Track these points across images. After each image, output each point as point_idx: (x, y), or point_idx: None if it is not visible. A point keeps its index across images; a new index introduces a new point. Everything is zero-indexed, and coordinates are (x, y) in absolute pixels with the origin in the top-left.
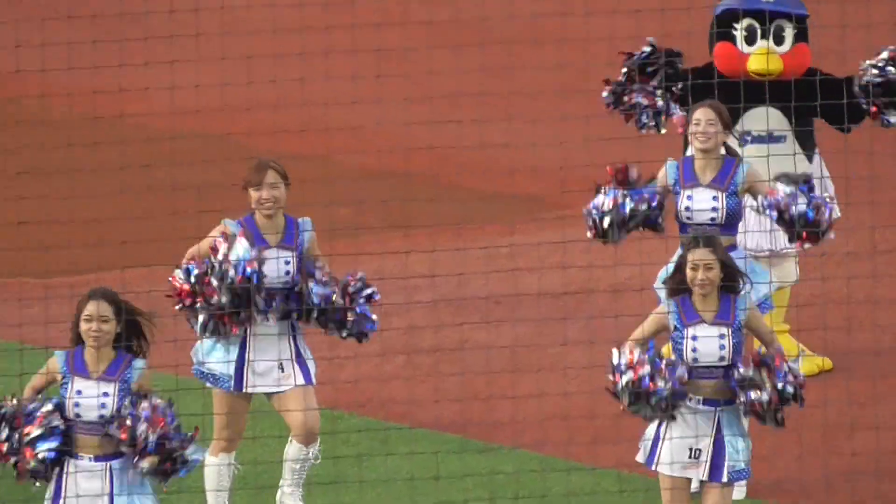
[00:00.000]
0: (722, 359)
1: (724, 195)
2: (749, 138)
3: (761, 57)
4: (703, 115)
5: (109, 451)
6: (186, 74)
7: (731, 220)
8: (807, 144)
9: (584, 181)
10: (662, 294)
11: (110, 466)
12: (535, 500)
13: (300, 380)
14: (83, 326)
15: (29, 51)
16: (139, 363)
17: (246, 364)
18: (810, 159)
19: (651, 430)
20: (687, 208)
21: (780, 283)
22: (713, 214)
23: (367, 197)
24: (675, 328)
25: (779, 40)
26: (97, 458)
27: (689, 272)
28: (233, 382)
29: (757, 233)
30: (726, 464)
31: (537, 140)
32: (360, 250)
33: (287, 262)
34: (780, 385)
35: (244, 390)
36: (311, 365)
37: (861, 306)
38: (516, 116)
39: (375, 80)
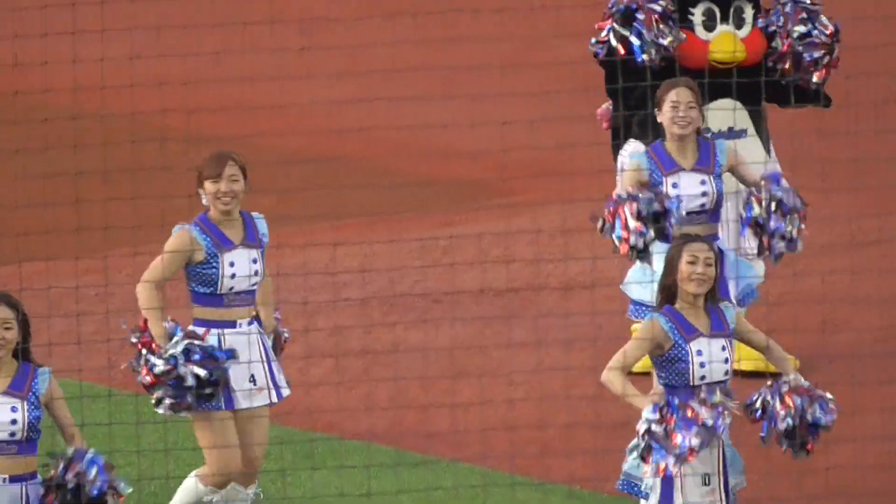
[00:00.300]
0: (727, 373)
1: (711, 178)
2: (709, 135)
3: (726, 42)
4: (681, 96)
5: (25, 471)
6: (90, 47)
7: (718, 205)
8: (763, 136)
9: (529, 165)
10: (632, 293)
11: (26, 488)
12: None
13: (273, 396)
14: None
15: None
16: (44, 371)
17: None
18: (769, 151)
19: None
20: (677, 196)
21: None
22: (703, 200)
23: (291, 183)
24: (676, 344)
25: (739, 23)
26: (12, 479)
27: (684, 266)
28: (222, 400)
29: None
30: (731, 481)
31: (478, 120)
32: (284, 242)
33: (255, 261)
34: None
35: (235, 407)
36: (282, 377)
37: (839, 305)
38: (455, 94)
39: (300, 54)
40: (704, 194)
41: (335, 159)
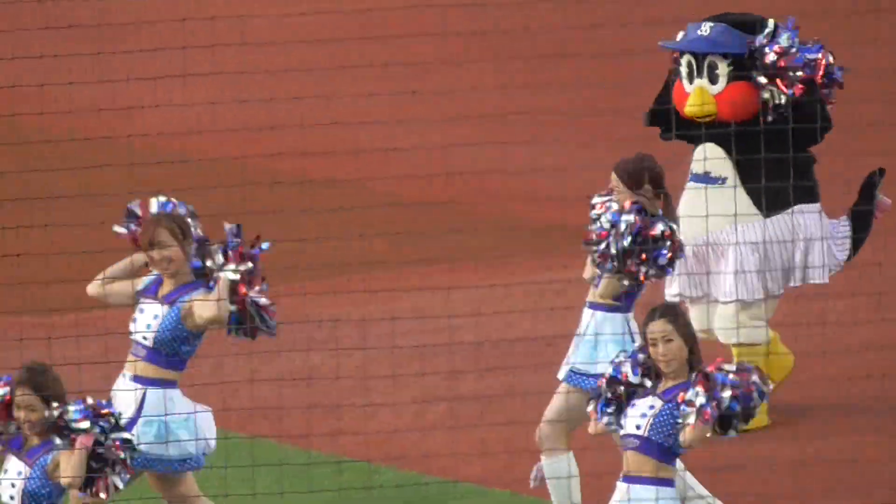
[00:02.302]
0: (638, 427)
1: None
2: (690, 177)
3: (695, 97)
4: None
5: None
6: (200, 91)
7: None
8: (766, 201)
9: None
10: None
11: None
12: None
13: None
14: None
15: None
16: (58, 445)
17: None
18: (761, 204)
19: None
20: None
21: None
22: None
23: (404, 227)
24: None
25: (713, 78)
26: None
27: (651, 350)
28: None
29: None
30: None
31: (590, 164)
32: (398, 286)
33: (156, 317)
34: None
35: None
36: None
37: None
38: (566, 139)
39: (412, 98)
40: None
41: (447, 204)
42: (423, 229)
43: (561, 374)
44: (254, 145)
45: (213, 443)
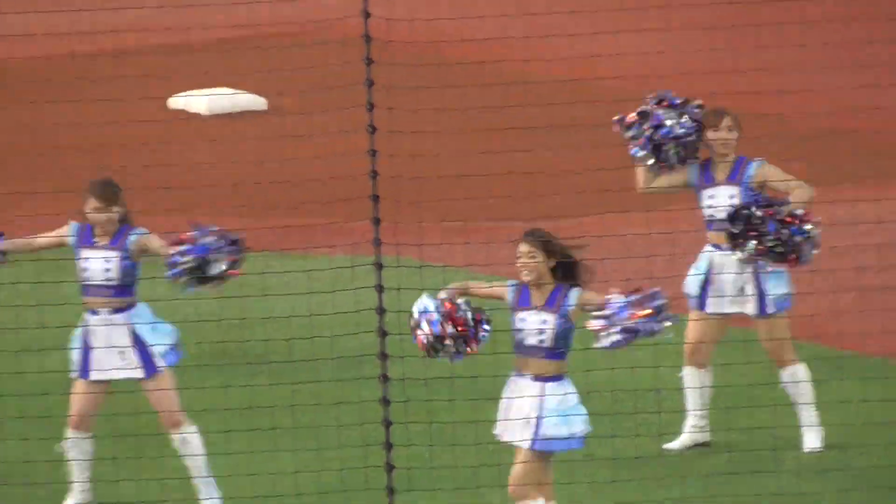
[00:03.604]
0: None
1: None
2: None
3: None
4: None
5: (546, 372)
6: (655, 39)
7: None
8: None
9: None
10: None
11: (543, 388)
12: None
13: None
14: (517, 264)
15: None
16: (574, 292)
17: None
18: None
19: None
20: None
21: None
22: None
23: (818, 152)
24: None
25: None
26: (535, 379)
27: None
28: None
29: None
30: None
31: None
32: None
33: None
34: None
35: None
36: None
37: None
38: None
39: (823, 48)
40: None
41: (854, 132)
42: (833, 153)
43: None
44: (694, 87)
45: None
